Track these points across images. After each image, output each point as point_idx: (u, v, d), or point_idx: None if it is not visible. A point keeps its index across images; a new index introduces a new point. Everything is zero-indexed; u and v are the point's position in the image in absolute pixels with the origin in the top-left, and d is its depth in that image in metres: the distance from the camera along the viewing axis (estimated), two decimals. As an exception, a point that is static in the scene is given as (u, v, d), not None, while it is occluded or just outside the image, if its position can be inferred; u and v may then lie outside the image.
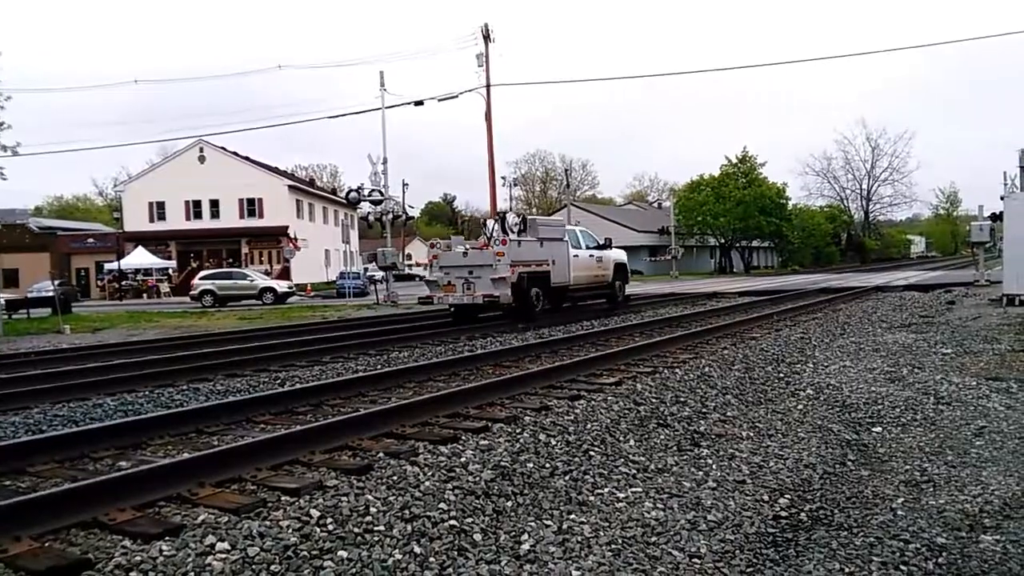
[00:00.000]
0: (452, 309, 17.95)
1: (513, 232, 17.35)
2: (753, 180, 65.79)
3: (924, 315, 16.32)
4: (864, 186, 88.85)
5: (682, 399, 7.56)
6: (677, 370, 9.12)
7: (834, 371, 9.36)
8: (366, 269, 51.13)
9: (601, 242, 21.27)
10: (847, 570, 3.81)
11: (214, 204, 57.21)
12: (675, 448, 6.05)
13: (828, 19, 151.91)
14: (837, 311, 18.11)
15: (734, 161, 68.17)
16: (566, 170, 73.01)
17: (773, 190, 66.76)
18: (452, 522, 4.23)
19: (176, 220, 56.71)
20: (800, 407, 7.48)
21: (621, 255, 22.44)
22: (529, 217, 19.03)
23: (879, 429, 6.64)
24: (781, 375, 9.20)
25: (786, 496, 4.92)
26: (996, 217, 23.70)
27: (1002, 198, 19.39)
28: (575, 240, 19.61)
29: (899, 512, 4.60)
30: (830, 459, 5.76)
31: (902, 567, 3.83)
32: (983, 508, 4.58)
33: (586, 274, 19.79)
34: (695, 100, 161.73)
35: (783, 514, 4.62)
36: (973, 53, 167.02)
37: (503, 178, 64.04)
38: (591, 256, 20.22)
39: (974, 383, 8.23)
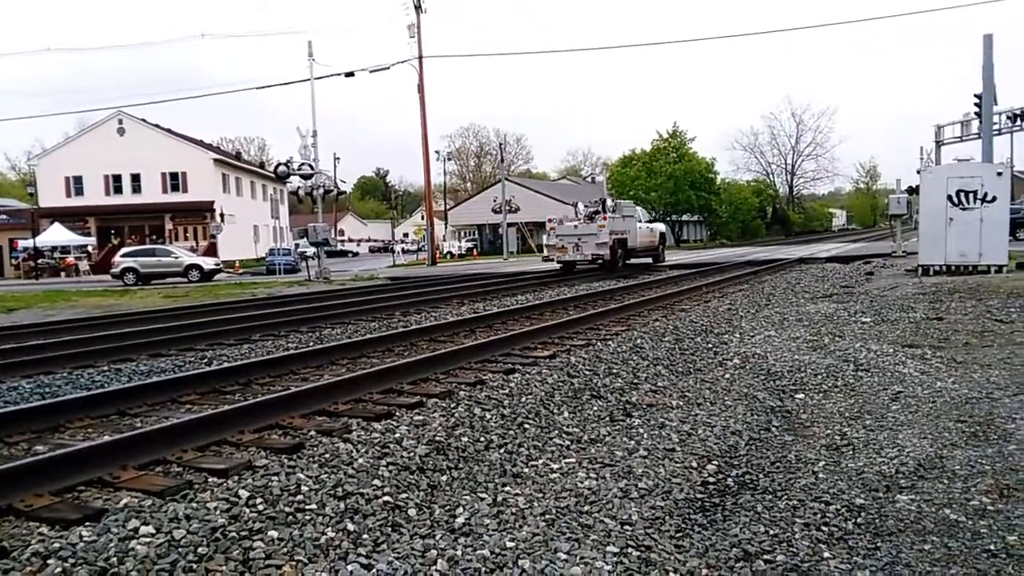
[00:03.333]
0: (561, 265, 25.35)
1: (610, 212, 25.06)
2: (683, 155, 66.90)
3: (845, 286, 16.91)
4: (789, 161, 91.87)
5: (615, 371, 7.66)
6: (610, 342, 9.24)
7: (759, 341, 9.63)
8: (297, 245, 50.21)
9: (652, 218, 32.49)
10: (772, 532, 3.94)
11: (135, 178, 55.12)
12: (608, 419, 6.14)
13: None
14: (763, 283, 18.62)
15: (664, 136, 69.11)
16: (500, 144, 72.97)
17: (702, 165, 68.02)
18: (386, 498, 4.20)
19: (95, 195, 54.46)
20: (727, 376, 7.68)
21: (662, 227, 31.94)
22: (618, 201, 27.34)
23: (802, 396, 6.87)
24: (709, 345, 9.42)
25: (714, 462, 5.05)
26: (913, 190, 24.66)
27: (919, 172, 20.18)
28: (639, 216, 27.63)
29: (820, 475, 4.78)
30: (756, 426, 5.93)
31: (823, 528, 3.98)
32: (899, 470, 4.79)
33: (644, 240, 27.41)
34: (629, 75, 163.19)
35: (711, 480, 4.75)
36: (894, 30, 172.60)
37: (437, 152, 63.57)
38: (647, 227, 28.28)
39: (891, 350, 8.58)
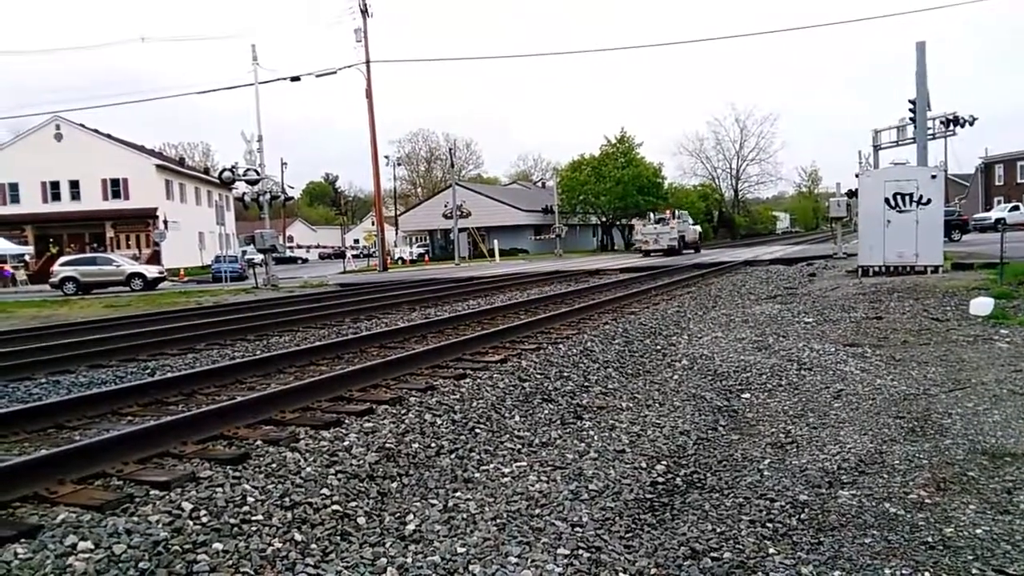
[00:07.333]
0: (643, 253, 42.16)
1: (676, 218, 43.11)
2: (631, 160, 67.44)
3: (788, 287, 17.29)
4: (733, 166, 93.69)
5: (566, 374, 7.70)
6: (561, 346, 9.28)
7: (707, 342, 9.78)
8: (244, 252, 49.26)
9: (694, 222, 50.76)
10: (719, 530, 4.00)
11: (74, 185, 53.47)
12: (559, 422, 6.16)
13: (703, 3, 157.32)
14: (709, 285, 18.94)
15: (613, 141, 69.67)
16: (450, 149, 72.72)
17: (650, 170, 68.66)
18: (335, 507, 4.15)
19: (32, 203, 52.67)
20: (676, 377, 7.78)
21: (699, 228, 51.35)
22: (680, 212, 46.77)
23: (748, 395, 6.99)
24: (658, 347, 9.54)
25: (663, 463, 5.11)
26: (852, 194, 25.37)
27: (857, 176, 20.74)
28: (689, 221, 46.90)
29: (766, 473, 4.87)
30: (703, 425, 6.02)
31: (768, 524, 4.06)
32: (841, 466, 4.91)
33: (692, 237, 45.73)
34: (578, 80, 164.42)
35: (660, 480, 4.80)
36: (833, 38, 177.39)
37: (386, 157, 63.16)
38: (693, 228, 47.06)
39: (833, 349, 8.80)
